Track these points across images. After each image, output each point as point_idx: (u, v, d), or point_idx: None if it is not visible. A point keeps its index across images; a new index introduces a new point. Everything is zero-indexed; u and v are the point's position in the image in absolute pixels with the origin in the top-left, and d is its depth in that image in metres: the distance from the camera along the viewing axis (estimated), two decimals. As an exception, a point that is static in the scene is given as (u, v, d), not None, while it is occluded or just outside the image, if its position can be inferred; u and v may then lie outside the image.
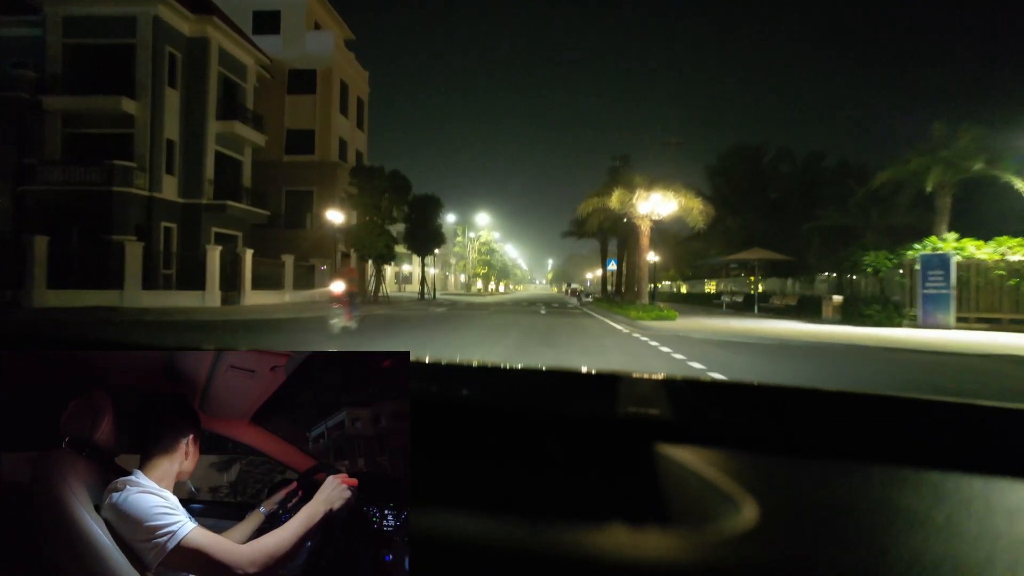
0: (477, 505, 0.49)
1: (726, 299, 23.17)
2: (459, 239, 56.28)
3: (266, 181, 25.38)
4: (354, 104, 31.19)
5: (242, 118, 21.44)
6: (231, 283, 18.41)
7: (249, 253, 19.19)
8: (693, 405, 0.71)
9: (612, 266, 27.98)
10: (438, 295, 44.14)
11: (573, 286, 43.76)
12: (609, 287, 34.03)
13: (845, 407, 0.71)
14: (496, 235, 62.65)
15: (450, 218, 63.20)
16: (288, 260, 22.19)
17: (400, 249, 31.65)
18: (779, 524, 0.45)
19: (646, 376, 0.74)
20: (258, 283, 19.72)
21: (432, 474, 0.56)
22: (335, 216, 20.77)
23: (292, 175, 26.80)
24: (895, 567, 0.39)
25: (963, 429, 0.64)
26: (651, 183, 17.49)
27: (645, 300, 17.30)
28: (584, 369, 0.81)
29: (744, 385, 0.75)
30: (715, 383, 0.76)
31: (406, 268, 69.45)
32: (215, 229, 20.59)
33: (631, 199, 17.37)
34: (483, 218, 54.01)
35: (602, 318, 16.09)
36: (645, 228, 17.45)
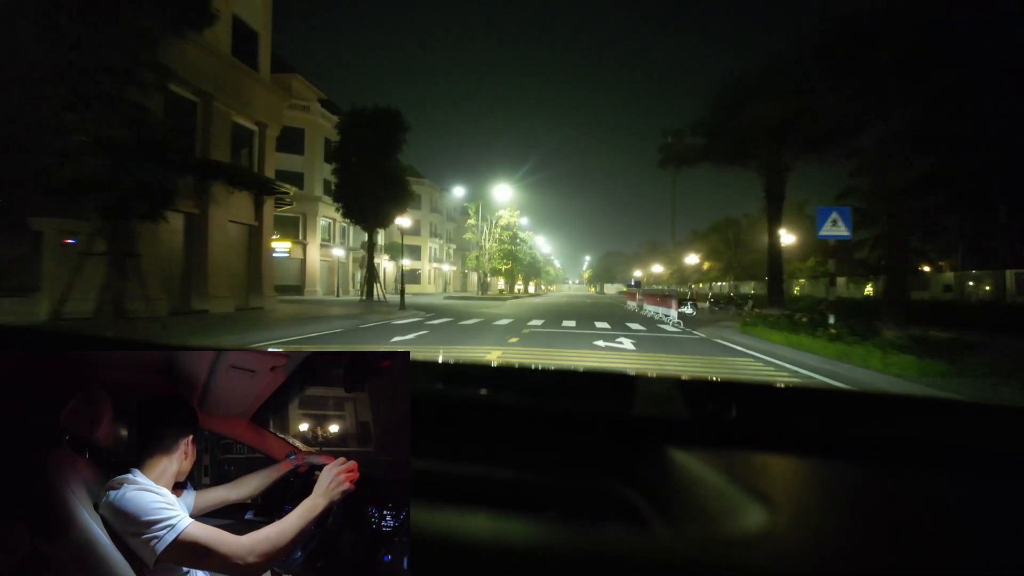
0: (488, 504, 0.53)
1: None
2: (471, 222, 38.25)
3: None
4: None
5: None
6: None
7: None
8: (706, 406, 0.72)
9: (837, 229, 7.95)
10: (447, 298, 26.82)
11: (639, 285, 24.55)
12: (831, 288, 13.83)
13: (862, 407, 0.73)
14: (523, 221, 44.95)
15: (457, 192, 45.32)
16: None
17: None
18: (792, 525, 0.48)
19: (658, 375, 0.78)
20: None
21: (437, 473, 0.61)
22: None
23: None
24: (908, 567, 0.42)
25: (984, 430, 0.67)
26: None
27: None
28: (597, 369, 0.85)
29: (757, 385, 0.79)
30: (727, 383, 0.78)
31: (407, 263, 52.15)
32: None
33: None
34: (503, 193, 36.39)
35: None
36: None
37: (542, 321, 15.20)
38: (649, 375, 0.77)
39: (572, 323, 14.83)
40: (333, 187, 17.26)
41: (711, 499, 0.54)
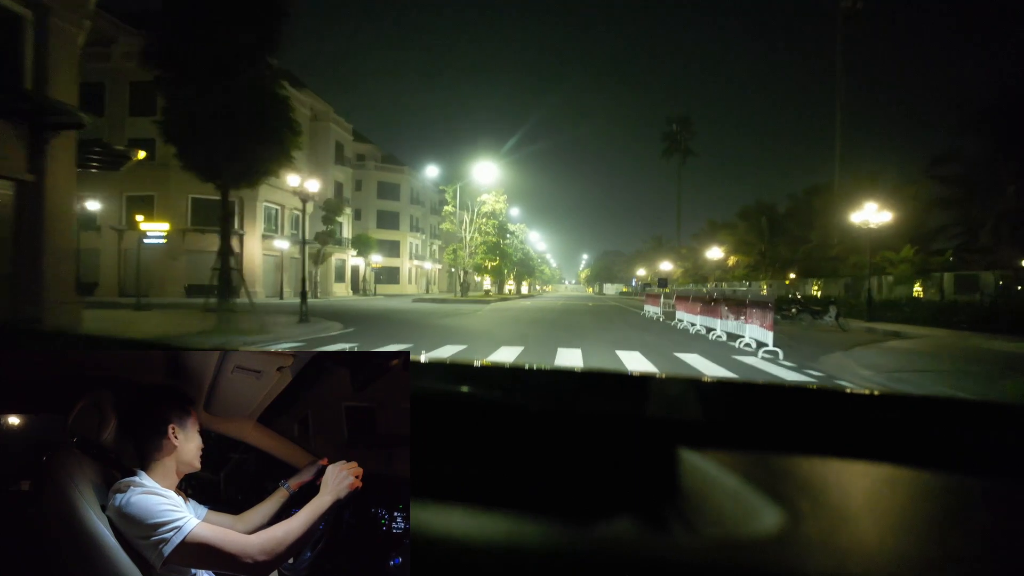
0: (495, 505, 0.54)
1: None
2: (448, 209, 30.84)
3: None
4: None
5: None
6: None
7: None
8: (719, 407, 0.73)
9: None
10: (417, 300, 24.61)
11: (664, 284, 16.92)
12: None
13: (883, 408, 0.73)
14: (513, 212, 38.21)
15: (431, 172, 38.29)
16: None
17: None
18: (811, 528, 0.49)
19: (669, 376, 0.77)
20: None
21: (441, 474, 0.62)
22: None
23: None
24: (932, 571, 0.43)
25: (1006, 430, 0.68)
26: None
27: None
28: (604, 369, 0.84)
29: (773, 387, 0.78)
30: (741, 384, 0.79)
31: (378, 259, 44.92)
32: None
33: None
34: (488, 173, 29.02)
35: None
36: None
37: (519, 349, 8.04)
38: (660, 376, 0.77)
39: (575, 353, 7.67)
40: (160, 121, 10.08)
41: (728, 501, 0.54)
